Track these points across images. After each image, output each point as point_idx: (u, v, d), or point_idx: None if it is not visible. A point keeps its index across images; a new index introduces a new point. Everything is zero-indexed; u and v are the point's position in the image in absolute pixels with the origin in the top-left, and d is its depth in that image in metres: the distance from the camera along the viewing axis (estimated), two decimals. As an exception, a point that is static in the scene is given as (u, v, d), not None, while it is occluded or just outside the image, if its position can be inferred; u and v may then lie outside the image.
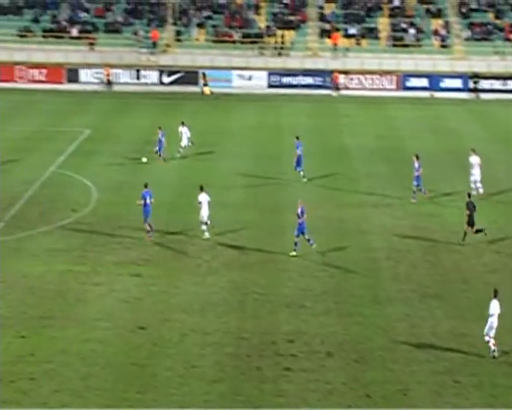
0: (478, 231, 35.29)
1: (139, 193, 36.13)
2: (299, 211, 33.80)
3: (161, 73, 69.21)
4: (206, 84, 67.47)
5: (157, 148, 46.83)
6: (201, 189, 35.86)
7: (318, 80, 68.99)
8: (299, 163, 43.96)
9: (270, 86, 68.98)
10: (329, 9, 75.70)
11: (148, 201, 35.32)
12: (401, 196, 41.59)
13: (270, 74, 69.30)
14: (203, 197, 35.55)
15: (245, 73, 69.37)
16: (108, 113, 60.67)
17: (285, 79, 69.29)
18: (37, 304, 29.41)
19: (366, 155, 49.67)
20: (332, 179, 44.80)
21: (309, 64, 70.79)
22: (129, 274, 32.12)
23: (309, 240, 33.89)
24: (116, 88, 68.26)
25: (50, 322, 28.10)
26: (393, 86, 69.02)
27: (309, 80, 69.17)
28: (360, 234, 36.74)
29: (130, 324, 28.13)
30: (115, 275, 32.08)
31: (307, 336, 27.45)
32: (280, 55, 71.49)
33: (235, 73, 69.37)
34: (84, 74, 68.95)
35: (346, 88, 68.53)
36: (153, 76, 69.18)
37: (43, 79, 68.67)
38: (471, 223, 35.16)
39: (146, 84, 68.64)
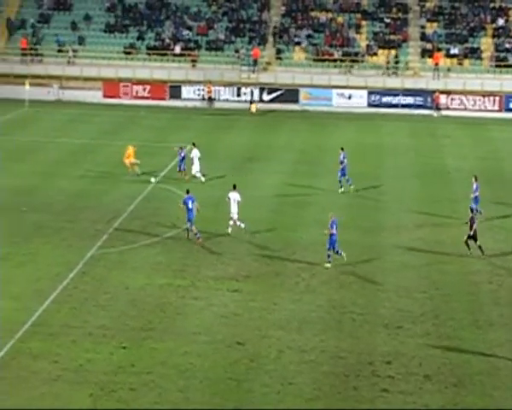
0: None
1: (238, 210, 36.44)
2: (330, 224, 34.30)
3: (262, 90, 69.72)
4: (252, 102, 67.53)
5: None
6: (234, 187, 38.12)
7: (419, 100, 68.43)
8: (343, 173, 44.75)
9: (370, 105, 68.74)
10: (431, 29, 75.02)
11: (190, 206, 36.65)
12: (502, 219, 40.83)
13: (370, 93, 69.06)
14: (233, 195, 37.75)
15: (345, 92, 69.30)
16: (209, 129, 61.42)
17: (385, 99, 68.94)
18: (138, 316, 29.91)
19: (466, 176, 48.88)
20: (431, 200, 44.29)
21: (410, 84, 70.28)
22: (227, 289, 32.38)
23: (337, 252, 34.47)
24: (217, 105, 69.11)
25: (150, 334, 28.54)
26: (496, 107, 67.89)
27: (409, 100, 68.66)
28: (460, 256, 36.19)
29: (227, 339, 28.35)
30: (214, 290, 32.39)
31: (405, 358, 27.16)
32: (395, 74, 71.09)
33: (334, 91, 69.37)
34: (186, 91, 70.05)
35: (447, 108, 67.76)
36: (253, 93, 69.71)
37: (147, 95, 70.07)
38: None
39: (246, 101, 69.22)
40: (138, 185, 45.80)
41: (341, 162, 45.14)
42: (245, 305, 31.06)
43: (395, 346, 28.01)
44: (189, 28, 75.98)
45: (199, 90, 69.94)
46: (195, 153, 47.02)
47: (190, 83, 70.47)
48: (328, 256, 34.54)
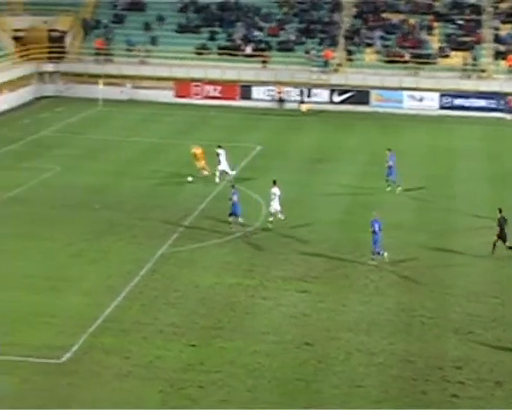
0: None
1: (308, 211, 36.50)
2: (371, 223, 34.86)
3: (332, 91, 69.54)
4: (302, 102, 67.25)
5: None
6: (274, 183, 39.27)
7: (492, 103, 67.41)
8: (390, 173, 45.04)
9: (442, 108, 67.97)
10: (505, 31, 73.83)
11: (235, 199, 38.59)
12: None
13: (441, 96, 68.30)
14: (275, 190, 39.06)
15: (416, 94, 68.68)
16: (279, 130, 61.52)
17: (457, 101, 68.08)
18: (208, 315, 30.12)
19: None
20: (503, 205, 43.55)
21: (483, 86, 69.29)
22: (296, 290, 32.41)
23: (379, 253, 34.75)
24: (287, 105, 69.16)
25: (219, 333, 28.73)
26: None
27: (482, 103, 67.69)
28: (533, 262, 35.62)
29: (296, 339, 28.37)
30: (283, 290, 32.45)
31: (476, 364, 26.84)
32: (468, 76, 70.19)
33: (405, 93, 68.79)
34: (257, 91, 70.24)
35: (521, 111, 66.68)
36: (323, 94, 69.60)
37: (218, 95, 70.47)
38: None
39: (317, 102, 69.12)
40: (209, 185, 46.10)
41: (388, 162, 45.39)
42: (314, 306, 31.05)
43: (465, 351, 27.70)
44: (260, 29, 76.11)
45: (269, 90, 70.07)
46: (222, 152, 46.88)
47: (261, 83, 70.64)
48: (373, 254, 34.96)
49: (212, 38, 75.42)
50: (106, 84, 68.25)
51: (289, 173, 48.77)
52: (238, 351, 27.46)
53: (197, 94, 70.72)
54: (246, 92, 70.18)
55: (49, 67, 73.41)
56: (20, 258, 35.16)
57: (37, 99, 70.73)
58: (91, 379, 25.46)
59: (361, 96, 68.77)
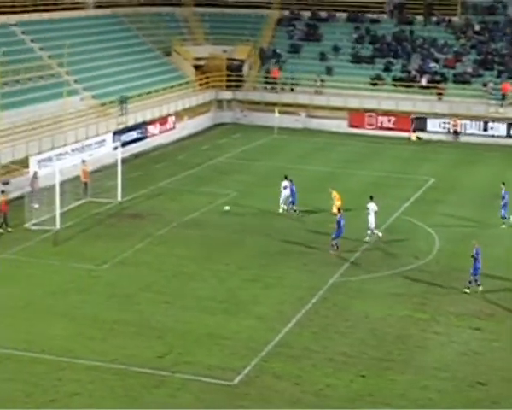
0: None
1: (484, 247, 35.63)
2: (474, 253, 34.85)
3: (510, 125, 67.67)
4: (414, 130, 66.15)
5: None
6: (371, 198, 41.61)
7: None
8: (505, 208, 44.08)
9: None
10: None
11: (342, 223, 39.85)
12: None
13: None
14: (371, 206, 41.21)
15: None
16: (454, 163, 60.47)
17: None
18: (378, 346, 29.85)
19: None
20: None
21: None
22: (469, 327, 31.63)
23: (476, 280, 34.84)
24: (463, 139, 67.89)
25: (390, 365, 28.40)
26: None
27: None
28: None
29: (468, 377, 27.64)
30: (455, 326, 31.74)
31: None
32: None
33: None
34: (432, 124, 69.34)
35: None
36: (501, 128, 67.86)
37: (392, 126, 70.04)
38: None
39: (493, 136, 67.47)
40: (382, 215, 45.80)
41: (503, 198, 44.29)
42: (487, 344, 30.20)
43: None
44: (436, 61, 75.24)
45: (444, 123, 69.04)
46: (285, 184, 46.05)
47: (436, 116, 69.68)
48: (470, 282, 34.84)
49: (386, 69, 75.21)
50: (281, 112, 69.26)
51: (462, 208, 47.82)
52: (409, 385, 27.04)
53: (371, 124, 70.59)
54: (420, 124, 69.38)
55: (228, 94, 75.39)
56: (195, 280, 36.07)
57: (216, 125, 72.69)
58: (262, 403, 25.69)
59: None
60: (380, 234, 41.46)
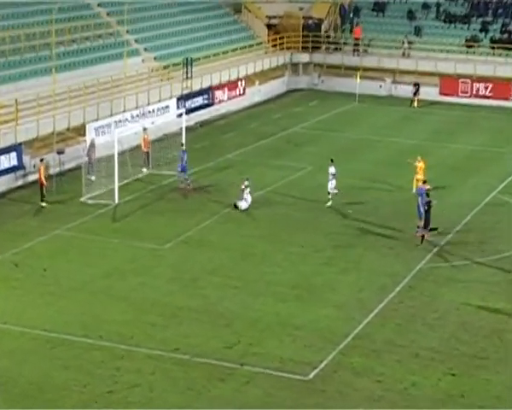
0: None
1: None
2: None
3: None
4: (416, 94, 67.58)
5: None
6: (331, 161, 44.06)
7: None
8: None
9: None
10: None
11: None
12: None
13: None
14: (331, 170, 43.56)
15: None
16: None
17: None
18: (470, 341, 29.53)
19: None
20: None
21: None
22: None
23: None
24: None
25: (484, 363, 28.07)
26: None
27: None
28: None
29: None
30: (558, 321, 31.26)
31: None
32: None
33: None
34: (533, 91, 68.16)
35: None
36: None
37: (488, 94, 68.96)
38: None
39: None
40: (476, 194, 45.29)
41: None
42: None
43: None
44: (539, 20, 73.84)
45: (548, 90, 67.79)
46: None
47: (538, 82, 68.47)
48: None
49: (483, 29, 73.95)
50: (363, 77, 68.76)
51: None
52: (505, 386, 26.69)
53: (465, 92, 69.61)
54: (519, 92, 68.24)
55: (304, 57, 75.14)
56: (266, 263, 36.15)
57: (290, 92, 72.57)
58: (339, 401, 25.64)
59: None
60: (336, 191, 43.32)
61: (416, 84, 68.63)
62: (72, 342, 28.67)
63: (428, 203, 38.70)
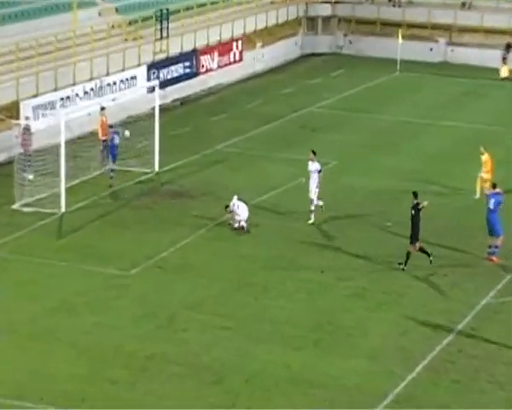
0: None
1: None
2: None
3: None
4: (505, 58, 68.80)
5: None
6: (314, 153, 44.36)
7: None
8: None
9: None
10: None
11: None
12: None
13: None
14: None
15: None
16: None
17: None
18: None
19: None
20: None
21: None
22: None
23: None
24: None
25: None
26: None
27: None
28: None
29: None
30: None
31: None
32: None
33: None
34: None
35: None
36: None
37: None
38: None
39: None
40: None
41: None
42: None
43: None
44: None
45: None
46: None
47: None
48: None
49: None
50: (407, 37, 69.00)
51: None
52: None
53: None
54: None
55: (324, 9, 75.40)
56: (271, 295, 36.32)
57: (305, 57, 72.82)
58: None
59: None
60: (321, 203, 43.09)
61: (509, 46, 68.91)
62: (5, 408, 28.67)
63: (417, 206, 38.64)
